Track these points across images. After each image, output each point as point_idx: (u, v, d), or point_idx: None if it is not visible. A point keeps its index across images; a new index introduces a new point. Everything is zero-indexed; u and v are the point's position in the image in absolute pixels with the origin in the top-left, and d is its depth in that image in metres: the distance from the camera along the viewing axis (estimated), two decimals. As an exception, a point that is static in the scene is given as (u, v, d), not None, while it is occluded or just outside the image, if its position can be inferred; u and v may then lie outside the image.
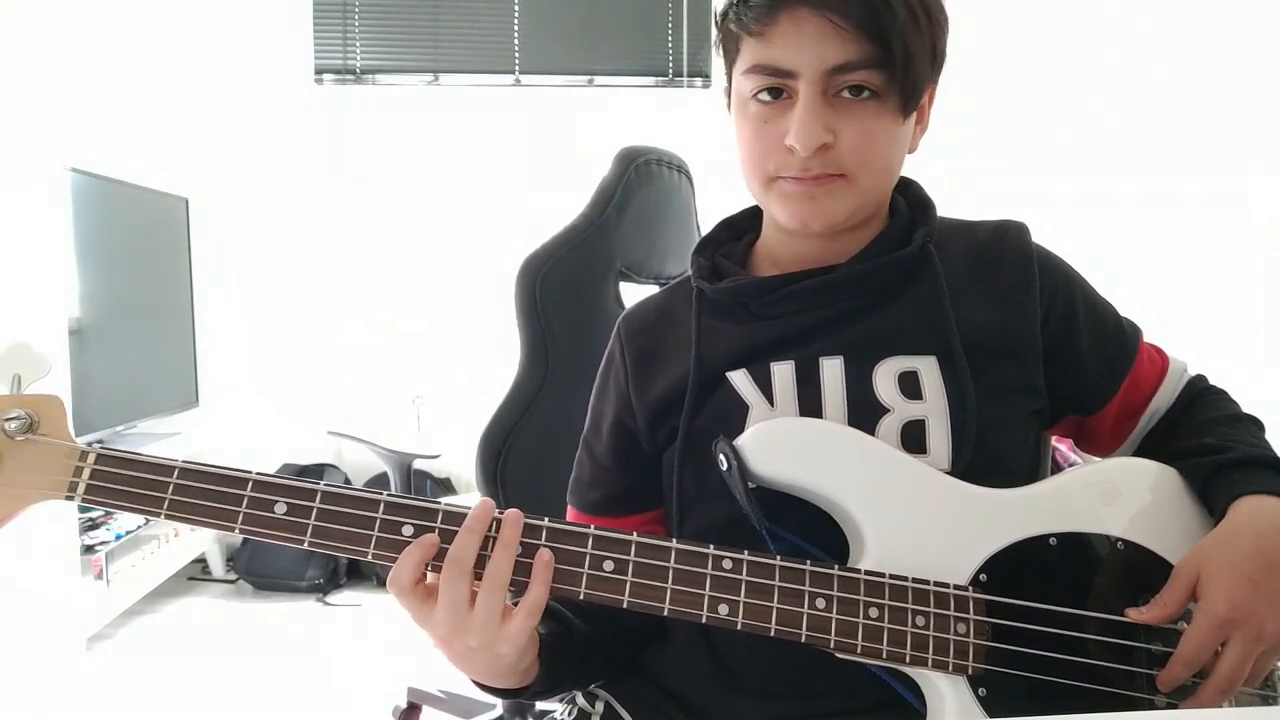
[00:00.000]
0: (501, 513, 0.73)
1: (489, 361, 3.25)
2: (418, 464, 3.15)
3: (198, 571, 3.29)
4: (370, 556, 0.73)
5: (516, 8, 3.51)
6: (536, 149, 3.44)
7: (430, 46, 3.53)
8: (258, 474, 0.74)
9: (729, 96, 0.85)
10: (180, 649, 2.72)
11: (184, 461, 0.74)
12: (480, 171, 3.45)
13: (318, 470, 3.40)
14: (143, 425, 3.07)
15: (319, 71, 3.49)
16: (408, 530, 0.73)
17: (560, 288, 1.25)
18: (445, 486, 3.46)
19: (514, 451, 1.24)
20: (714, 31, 0.84)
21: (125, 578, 2.75)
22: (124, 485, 0.74)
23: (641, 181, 1.34)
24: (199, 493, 0.73)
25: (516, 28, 3.52)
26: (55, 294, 2.55)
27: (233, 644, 2.75)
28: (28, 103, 2.51)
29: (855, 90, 0.77)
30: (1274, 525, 0.73)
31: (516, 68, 3.54)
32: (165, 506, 0.73)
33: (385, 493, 0.74)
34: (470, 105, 3.49)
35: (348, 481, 3.41)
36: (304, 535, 0.73)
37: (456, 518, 0.73)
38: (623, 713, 0.88)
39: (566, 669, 0.84)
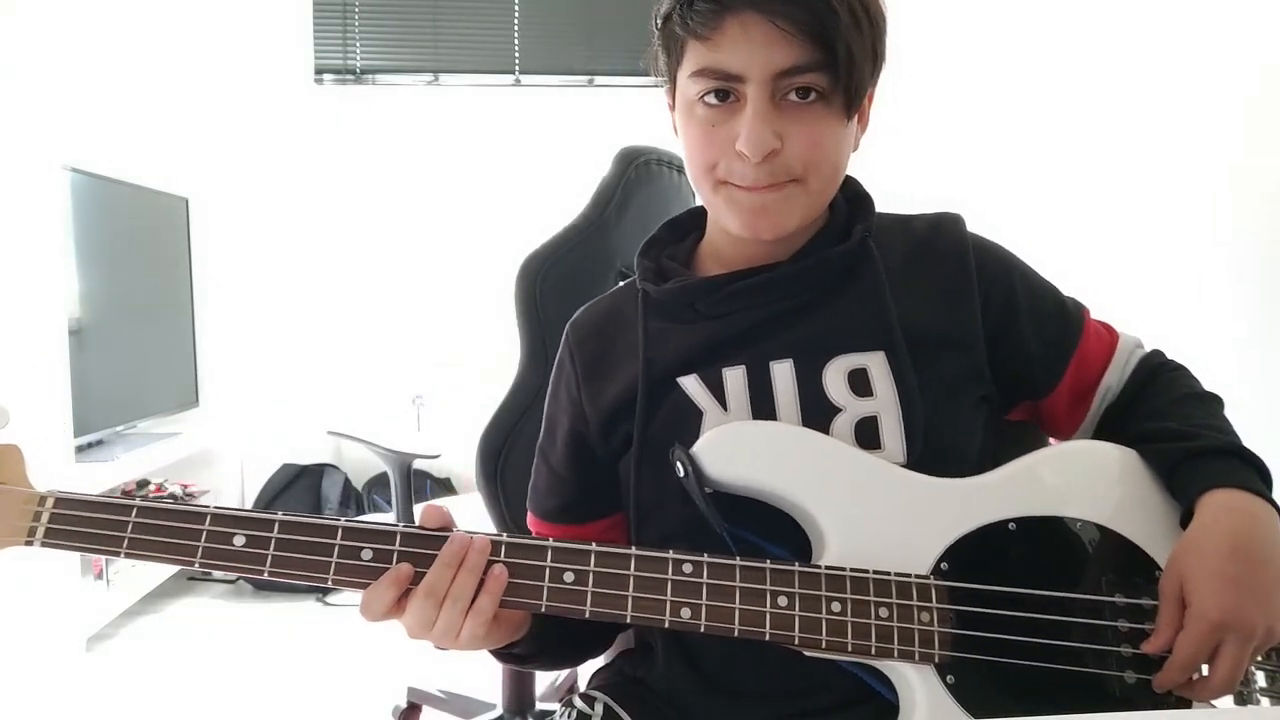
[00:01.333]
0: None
1: (489, 361, 3.26)
2: (418, 464, 3.15)
3: (198, 571, 3.29)
4: (330, 583, 0.74)
5: (516, 8, 3.51)
6: (536, 149, 3.44)
7: (430, 46, 3.53)
8: (215, 508, 0.75)
9: (671, 98, 0.85)
10: (180, 649, 2.71)
11: (141, 500, 0.76)
12: (480, 171, 3.46)
13: (317, 470, 3.39)
14: (143, 425, 3.07)
15: (319, 71, 3.49)
16: (367, 554, 0.74)
17: (560, 288, 1.25)
18: (445, 486, 3.46)
19: (514, 451, 1.24)
20: (654, 32, 0.84)
21: (125, 578, 2.75)
22: (82, 527, 0.75)
23: (641, 181, 1.34)
24: (157, 530, 0.75)
25: (516, 28, 3.52)
26: (55, 294, 2.54)
27: (233, 644, 2.75)
28: (27, 103, 2.51)
29: (802, 93, 0.77)
30: (1245, 522, 0.73)
31: (516, 68, 3.54)
32: (124, 546, 0.74)
33: (343, 519, 0.75)
34: (470, 105, 3.49)
35: (348, 482, 3.41)
36: (263, 566, 0.74)
37: (415, 539, 0.74)
38: (622, 714, 0.88)
39: (548, 637, 0.86)
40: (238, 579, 3.21)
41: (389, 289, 3.49)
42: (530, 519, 0.97)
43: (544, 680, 1.99)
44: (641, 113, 3.49)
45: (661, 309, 0.89)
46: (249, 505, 3.28)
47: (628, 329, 0.90)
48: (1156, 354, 0.92)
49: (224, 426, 3.40)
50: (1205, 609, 0.70)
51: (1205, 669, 0.72)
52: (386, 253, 3.49)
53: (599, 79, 3.56)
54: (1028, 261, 0.92)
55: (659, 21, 0.83)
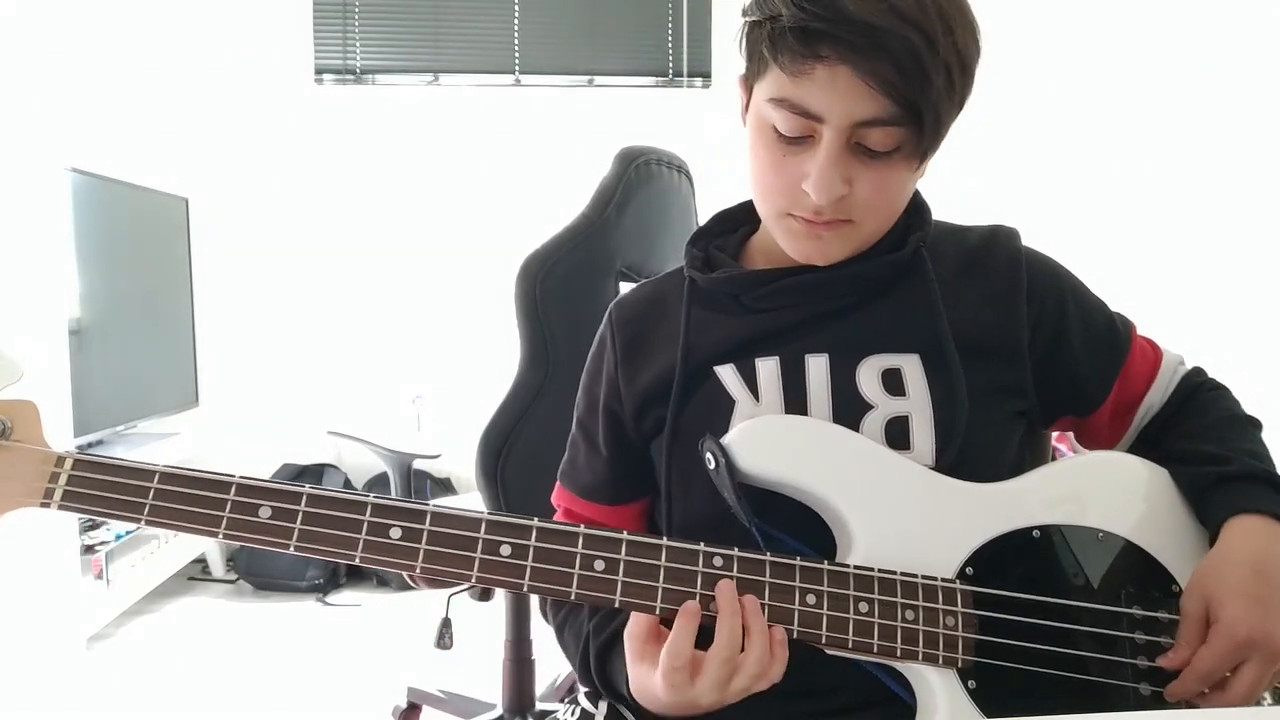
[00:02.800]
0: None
1: (489, 361, 3.25)
2: (418, 464, 3.14)
3: (198, 571, 3.29)
4: (358, 560, 0.72)
5: (516, 8, 3.51)
6: (536, 149, 3.44)
7: (430, 46, 3.53)
8: (241, 478, 0.73)
9: (746, 95, 0.82)
10: (180, 649, 2.71)
11: (165, 466, 0.73)
12: (480, 171, 3.46)
13: (318, 470, 3.39)
14: (143, 425, 3.07)
15: (319, 71, 3.49)
16: (395, 533, 0.72)
17: (560, 288, 1.25)
18: (445, 486, 3.46)
19: (514, 452, 1.24)
20: (738, 31, 0.80)
21: (125, 578, 2.74)
22: (102, 491, 0.73)
23: (641, 181, 1.34)
24: (181, 498, 0.72)
25: (516, 28, 3.52)
26: (55, 294, 2.54)
27: (233, 644, 2.75)
28: (28, 103, 2.51)
29: (878, 141, 0.75)
30: (1268, 546, 0.74)
31: (516, 68, 3.54)
32: (146, 512, 0.72)
33: (372, 495, 0.73)
34: (470, 105, 3.49)
35: (348, 482, 3.41)
36: (290, 540, 0.72)
37: (445, 519, 0.73)
38: (626, 713, 0.87)
39: None
40: (238, 579, 3.21)
41: (389, 289, 3.49)
42: (560, 492, 0.96)
43: (544, 680, 1.99)
44: (641, 113, 3.50)
45: (706, 298, 0.89)
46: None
47: (670, 315, 0.90)
48: (1198, 372, 0.92)
49: (224, 426, 3.40)
50: (1233, 627, 0.70)
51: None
52: (386, 252, 3.49)
53: (599, 79, 3.56)
54: (1078, 275, 0.92)
55: (746, 20, 0.79)
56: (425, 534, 0.73)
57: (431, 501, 0.74)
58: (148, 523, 0.72)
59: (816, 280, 0.84)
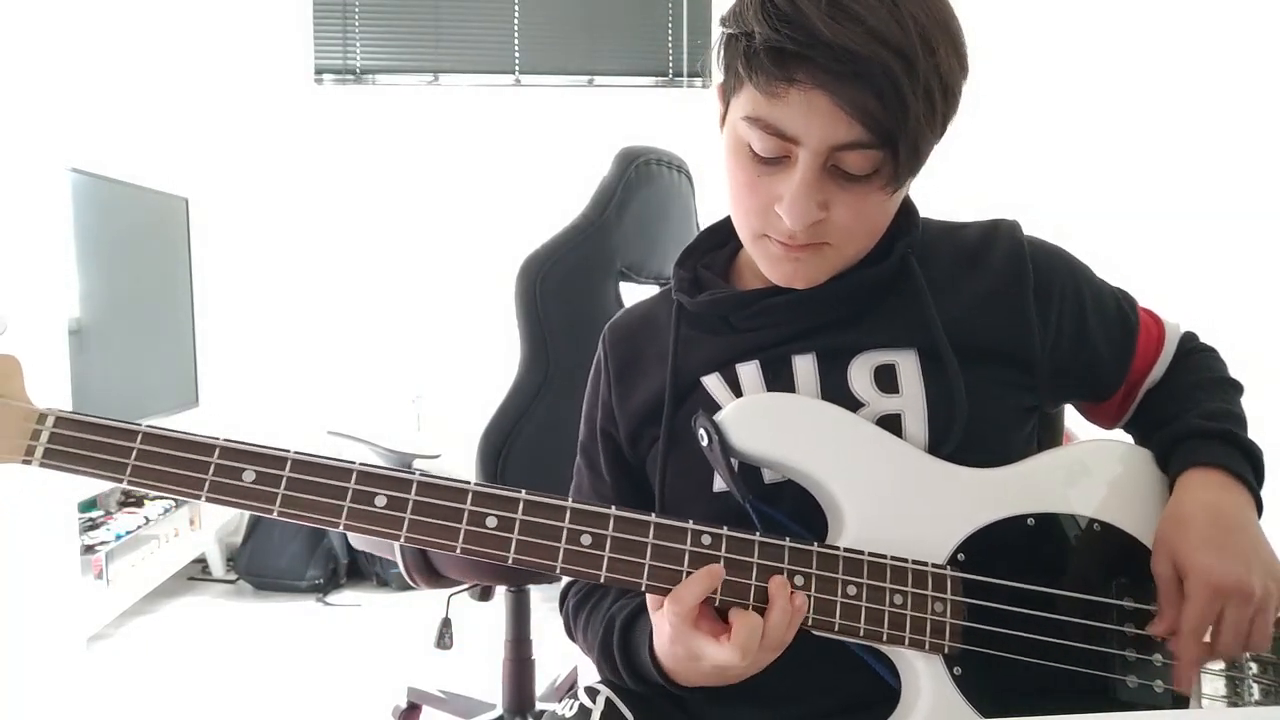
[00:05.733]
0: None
1: (489, 361, 3.26)
2: (417, 464, 3.15)
3: (198, 571, 3.29)
4: (341, 527, 0.71)
5: (516, 8, 3.51)
6: (536, 149, 3.44)
7: (430, 46, 3.53)
8: (225, 440, 0.73)
9: (724, 107, 0.80)
10: (180, 649, 2.71)
11: (148, 426, 0.73)
12: (480, 171, 3.46)
13: (318, 470, 3.39)
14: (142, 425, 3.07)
15: (319, 71, 3.49)
16: (380, 501, 0.72)
17: (560, 288, 1.25)
18: (445, 486, 3.46)
19: (514, 451, 1.25)
20: (715, 40, 0.78)
21: (125, 578, 2.74)
22: (85, 450, 0.72)
23: (641, 181, 1.34)
24: (164, 459, 0.72)
25: (516, 28, 3.52)
26: (55, 294, 2.54)
27: (233, 644, 2.75)
28: (28, 103, 2.51)
29: (854, 165, 0.73)
30: (1214, 494, 0.76)
31: (516, 68, 3.54)
32: (128, 472, 0.72)
33: (358, 462, 0.73)
34: (470, 105, 3.49)
35: (348, 481, 3.40)
36: (273, 505, 0.71)
37: (431, 489, 0.73)
38: (624, 709, 0.87)
39: None
40: (238, 579, 3.21)
41: (389, 289, 3.49)
42: None
43: (544, 680, 1.99)
44: (641, 113, 3.50)
45: (695, 320, 0.89)
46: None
47: (660, 335, 0.90)
48: (1190, 337, 0.93)
49: (224, 426, 3.39)
50: (1206, 575, 0.71)
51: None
52: (386, 253, 3.49)
53: (599, 79, 3.56)
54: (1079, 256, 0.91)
55: (724, 30, 0.76)
56: (410, 503, 0.72)
57: (418, 471, 0.73)
58: (130, 483, 0.72)
59: (804, 297, 0.83)
